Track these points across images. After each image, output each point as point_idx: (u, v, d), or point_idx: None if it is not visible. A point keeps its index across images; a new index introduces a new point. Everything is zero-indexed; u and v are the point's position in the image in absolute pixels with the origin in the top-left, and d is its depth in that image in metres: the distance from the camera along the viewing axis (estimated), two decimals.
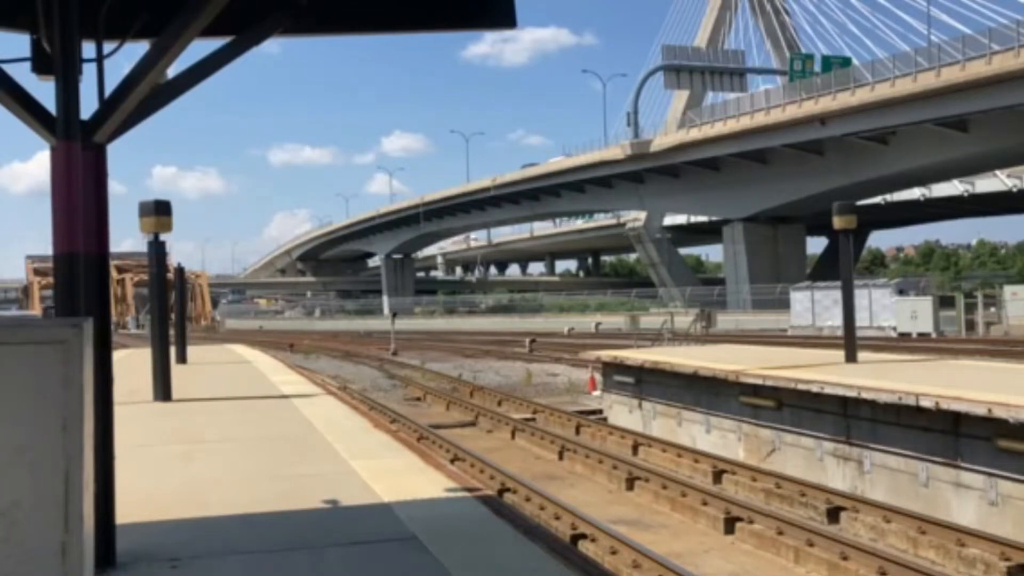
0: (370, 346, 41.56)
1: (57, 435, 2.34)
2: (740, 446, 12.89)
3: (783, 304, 46.15)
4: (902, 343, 29.04)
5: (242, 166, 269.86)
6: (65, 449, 2.34)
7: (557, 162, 76.55)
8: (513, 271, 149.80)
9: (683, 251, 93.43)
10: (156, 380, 12.22)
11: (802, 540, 8.21)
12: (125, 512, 4.67)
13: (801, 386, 11.42)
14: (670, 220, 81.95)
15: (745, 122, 57.97)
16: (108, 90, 4.63)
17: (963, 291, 47.09)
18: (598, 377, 19.50)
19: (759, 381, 12.27)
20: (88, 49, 4.66)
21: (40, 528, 2.29)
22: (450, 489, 6.65)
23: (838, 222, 14.29)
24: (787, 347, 23.18)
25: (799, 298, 42.49)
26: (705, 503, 9.75)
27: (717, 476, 11.44)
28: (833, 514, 9.39)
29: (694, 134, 61.85)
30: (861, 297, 31.68)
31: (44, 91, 4.52)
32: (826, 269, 63.22)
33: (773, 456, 12.13)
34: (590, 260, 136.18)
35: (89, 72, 4.65)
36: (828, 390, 10.93)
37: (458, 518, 5.67)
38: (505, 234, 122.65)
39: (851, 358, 14.05)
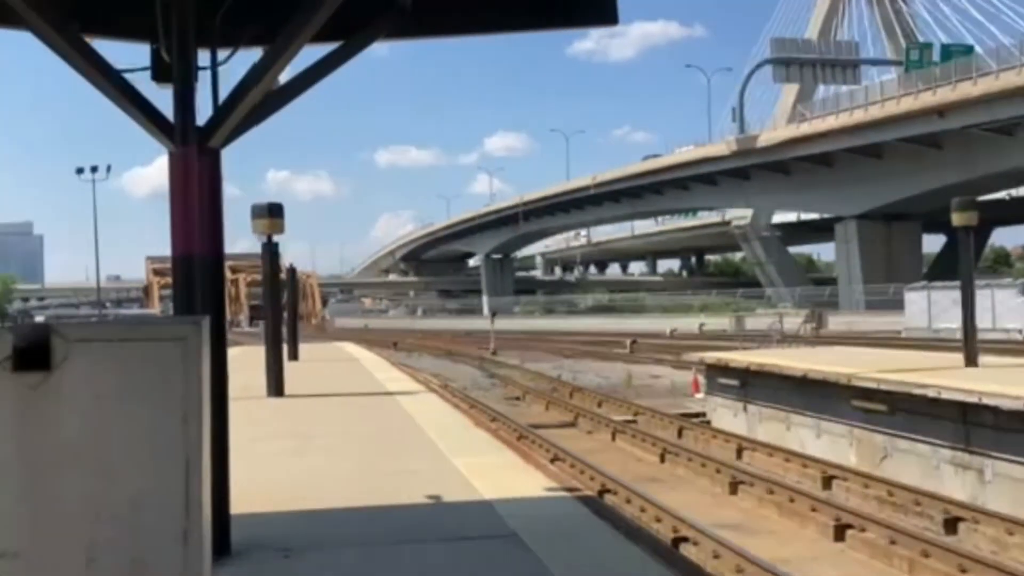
0: (470, 345, 41.99)
1: (178, 427, 2.44)
2: (851, 451, 12.46)
3: (897, 305, 44.29)
4: None
5: (351, 168, 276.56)
6: (185, 440, 2.44)
7: (668, 158, 75.19)
8: (613, 271, 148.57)
9: (793, 250, 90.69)
10: (269, 376, 12.64)
11: (917, 551, 7.88)
12: (238, 503, 4.84)
13: (917, 391, 10.96)
14: (780, 218, 79.67)
15: (858, 115, 55.85)
16: (222, 96, 4.81)
17: None
18: (701, 379, 19.17)
19: (873, 385, 11.83)
20: (203, 57, 4.85)
21: (164, 515, 2.40)
22: (550, 488, 6.66)
23: (957, 218, 13.65)
24: (902, 349, 22.28)
25: (914, 299, 40.69)
26: (814, 509, 9.47)
27: (827, 482, 11.10)
28: (951, 525, 8.97)
29: (804, 128, 59.99)
30: (983, 298, 29.99)
31: (162, 99, 4.73)
32: (944, 269, 60.21)
33: (886, 462, 11.67)
34: (693, 259, 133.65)
35: (204, 79, 4.83)
36: (946, 395, 10.45)
37: (558, 517, 5.67)
38: (605, 233, 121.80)
39: (971, 362, 13.40)
